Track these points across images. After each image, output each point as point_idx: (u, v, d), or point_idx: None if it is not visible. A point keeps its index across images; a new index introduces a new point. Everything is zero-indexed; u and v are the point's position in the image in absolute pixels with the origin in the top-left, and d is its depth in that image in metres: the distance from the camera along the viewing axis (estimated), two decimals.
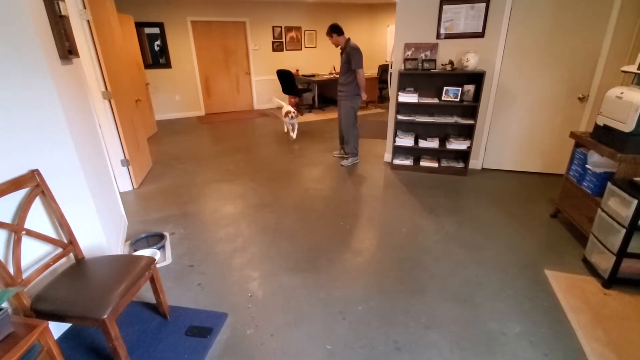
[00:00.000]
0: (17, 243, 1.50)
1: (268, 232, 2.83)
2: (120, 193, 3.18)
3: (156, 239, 2.64)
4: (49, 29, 1.84)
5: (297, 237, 2.75)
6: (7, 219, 1.51)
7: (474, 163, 4.13)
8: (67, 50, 2.06)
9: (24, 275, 1.51)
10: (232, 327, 1.89)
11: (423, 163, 4.12)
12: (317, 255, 2.52)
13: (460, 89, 3.70)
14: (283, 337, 1.82)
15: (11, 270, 1.44)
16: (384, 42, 8.70)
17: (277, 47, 8.05)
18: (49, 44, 1.81)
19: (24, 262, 1.55)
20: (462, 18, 3.59)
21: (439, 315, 1.95)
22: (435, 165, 4.08)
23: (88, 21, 2.96)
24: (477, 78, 3.61)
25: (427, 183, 3.79)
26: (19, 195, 1.55)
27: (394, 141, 4.09)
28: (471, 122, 3.76)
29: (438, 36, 3.75)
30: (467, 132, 3.89)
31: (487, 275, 2.28)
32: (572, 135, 2.73)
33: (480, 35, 3.60)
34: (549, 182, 3.71)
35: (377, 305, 2.03)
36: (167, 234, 2.74)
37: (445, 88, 3.76)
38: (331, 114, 7.31)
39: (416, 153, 4.24)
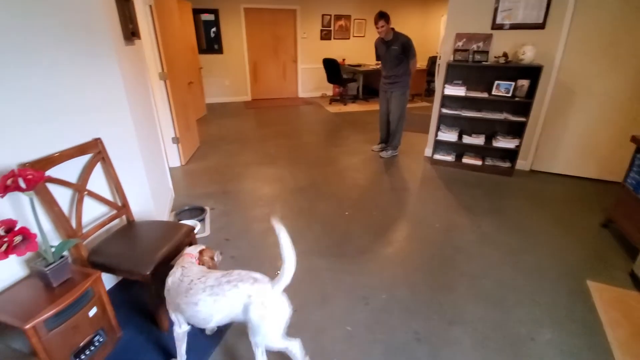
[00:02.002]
0: (80, 201, 1.70)
1: (302, 215, 2.92)
2: (169, 168, 3.42)
3: (198, 212, 2.83)
4: (115, 11, 2.02)
5: (329, 223, 2.81)
6: (73, 179, 1.71)
7: (522, 164, 3.89)
8: (130, 32, 2.25)
9: (84, 231, 1.72)
10: None
11: (466, 160, 3.96)
12: (347, 242, 2.56)
13: (513, 83, 3.49)
14: (306, 314, 1.89)
15: (73, 224, 1.65)
16: (436, 33, 8.37)
17: (325, 35, 8.05)
18: (115, 25, 1.99)
19: (84, 219, 1.75)
20: (521, 8, 3.36)
21: (465, 313, 1.91)
22: (479, 163, 3.90)
23: (150, 6, 3.19)
24: (533, 73, 3.37)
25: (468, 181, 3.66)
26: (83, 159, 1.75)
27: (436, 135, 3.97)
28: (522, 119, 3.53)
29: (493, 26, 3.54)
30: (517, 130, 3.66)
31: (523, 279, 2.18)
32: (633, 139, 2.48)
33: (541, 26, 3.35)
34: (604, 190, 3.41)
35: (402, 296, 2.04)
36: (208, 208, 2.93)
37: (496, 82, 3.57)
38: (375, 106, 7.21)
39: (459, 149, 4.09)
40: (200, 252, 1.56)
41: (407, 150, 4.58)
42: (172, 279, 1.42)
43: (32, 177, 1.27)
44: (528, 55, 3.32)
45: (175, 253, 1.75)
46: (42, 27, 1.49)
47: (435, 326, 1.82)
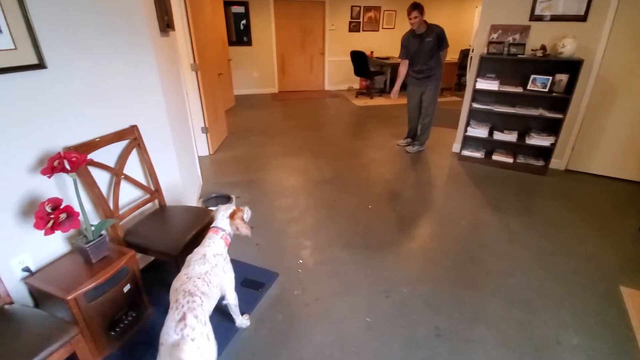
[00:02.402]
0: (117, 184, 1.80)
1: (325, 207, 2.94)
2: (198, 156, 3.53)
3: (224, 200, 2.91)
4: (152, 4, 2.09)
5: (352, 215, 2.82)
6: (111, 163, 1.81)
7: (557, 163, 3.72)
8: (165, 23, 2.32)
9: (120, 212, 1.82)
10: (281, 286, 2.05)
11: (496, 157, 3.83)
12: (370, 235, 2.56)
13: (550, 78, 3.32)
14: (327, 303, 1.92)
15: (111, 205, 1.75)
16: (469, 25, 8.06)
17: (354, 27, 7.95)
18: (152, 17, 2.06)
19: (120, 202, 1.85)
20: None
21: (488, 312, 1.87)
22: (510, 160, 3.77)
23: None
24: (572, 67, 3.20)
25: (497, 179, 3.54)
26: (120, 145, 1.85)
27: (466, 131, 3.86)
28: (559, 116, 3.37)
29: (531, 18, 3.38)
30: (553, 127, 3.50)
31: (552, 281, 2.10)
32: None
33: (582, 18, 3.16)
34: None
35: (424, 291, 2.02)
36: (234, 196, 3.01)
37: (532, 76, 3.41)
38: (402, 100, 7.08)
39: (489, 146, 3.96)
40: (232, 217, 1.58)
41: (434, 145, 4.49)
42: (190, 257, 1.46)
43: (76, 159, 1.36)
44: (568, 48, 3.15)
45: (203, 237, 1.83)
46: (88, 20, 1.57)
47: (456, 323, 1.80)
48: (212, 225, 1.60)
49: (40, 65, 1.43)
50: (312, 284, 2.08)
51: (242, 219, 1.61)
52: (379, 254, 2.35)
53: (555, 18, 3.28)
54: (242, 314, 1.74)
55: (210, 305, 1.34)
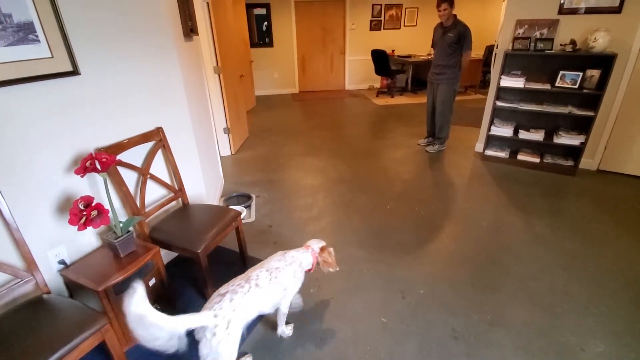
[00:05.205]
0: (144, 184, 1.89)
1: (342, 206, 2.96)
2: (220, 156, 3.64)
3: (244, 199, 3.00)
4: (177, 9, 2.18)
5: (369, 215, 2.82)
6: (138, 164, 1.91)
7: (587, 163, 3.56)
8: (189, 28, 2.41)
9: (146, 210, 1.91)
10: None
11: (521, 157, 3.71)
12: (386, 235, 2.56)
13: (580, 74, 3.18)
14: (342, 302, 1.94)
15: (138, 203, 1.84)
16: (495, 21, 7.81)
17: (375, 26, 7.89)
18: (176, 24, 2.15)
19: (146, 200, 1.94)
20: None
21: (508, 316, 1.83)
22: (537, 160, 3.64)
23: (208, 3, 3.38)
24: (605, 62, 3.04)
25: (522, 179, 3.43)
26: (147, 146, 1.94)
27: (489, 130, 3.76)
28: (590, 114, 3.22)
29: (560, 11, 3.24)
30: (583, 126, 3.35)
31: (578, 286, 2.03)
32: None
33: (616, 10, 3.00)
34: None
35: (441, 292, 2.00)
36: (254, 195, 3.08)
37: (561, 72, 3.28)
38: (424, 98, 6.98)
39: (514, 145, 3.83)
40: (322, 250, 1.69)
41: (455, 145, 4.40)
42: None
43: (106, 160, 1.45)
44: (600, 42, 3.01)
45: (223, 235, 1.90)
46: (117, 28, 1.67)
47: (474, 326, 1.77)
48: (307, 243, 1.71)
49: (74, 72, 1.52)
50: (328, 282, 2.10)
51: (331, 254, 1.69)
52: (395, 253, 2.35)
53: (588, 10, 3.13)
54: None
55: (260, 301, 1.40)
